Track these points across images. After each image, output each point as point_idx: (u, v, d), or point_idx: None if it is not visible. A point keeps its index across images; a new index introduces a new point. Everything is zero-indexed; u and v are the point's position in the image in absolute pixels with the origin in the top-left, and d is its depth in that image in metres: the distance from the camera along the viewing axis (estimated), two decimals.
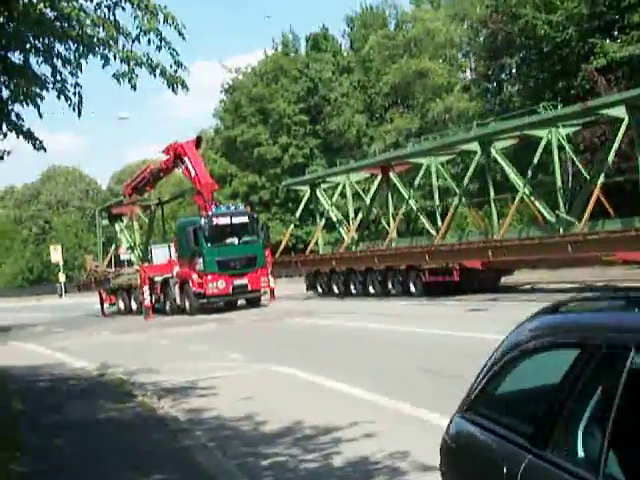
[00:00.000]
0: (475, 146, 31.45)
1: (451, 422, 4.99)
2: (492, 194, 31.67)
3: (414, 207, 36.69)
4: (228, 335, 27.22)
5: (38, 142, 12.88)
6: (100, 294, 45.65)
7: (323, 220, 42.23)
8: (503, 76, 52.31)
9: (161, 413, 13.43)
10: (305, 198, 43.19)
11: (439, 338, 20.01)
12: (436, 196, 36.29)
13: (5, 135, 13.10)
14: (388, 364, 16.61)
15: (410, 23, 59.33)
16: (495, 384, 4.58)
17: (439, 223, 35.23)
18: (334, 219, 41.71)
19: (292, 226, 46.38)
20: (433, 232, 34.90)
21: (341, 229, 41.51)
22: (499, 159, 30.69)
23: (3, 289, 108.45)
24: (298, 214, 44.31)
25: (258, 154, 62.39)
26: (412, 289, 33.05)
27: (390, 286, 34.41)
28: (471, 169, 32.15)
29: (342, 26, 69.49)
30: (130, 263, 49.06)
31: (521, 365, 4.38)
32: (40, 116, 12.27)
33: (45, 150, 13.02)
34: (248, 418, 12.56)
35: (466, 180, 32.38)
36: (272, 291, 38.47)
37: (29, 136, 12.78)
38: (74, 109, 12.31)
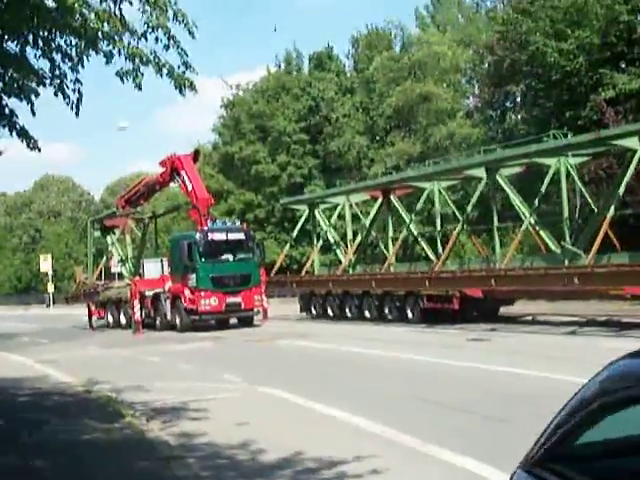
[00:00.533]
0: (481, 172, 30.68)
1: (512, 478, 4.14)
2: (496, 222, 30.94)
3: (414, 232, 35.85)
4: (220, 355, 26.38)
5: (33, 141, 12.10)
6: (89, 307, 44.71)
7: (320, 241, 41.39)
8: (508, 104, 51.79)
9: (151, 436, 12.56)
10: (303, 218, 42.37)
11: (441, 367, 19.23)
12: (438, 221, 35.47)
13: None
14: (389, 393, 15.79)
15: (416, 46, 58.66)
16: (580, 435, 3.72)
17: (439, 249, 34.47)
18: (331, 240, 40.87)
19: (288, 246, 45.52)
20: (433, 258, 34.14)
21: (338, 251, 40.67)
22: (505, 186, 29.95)
23: None
24: (295, 234, 43.45)
25: (256, 172, 61.57)
26: (409, 315, 32.24)
27: (387, 311, 33.63)
28: (475, 195, 31.38)
29: (346, 46, 68.96)
30: (120, 276, 48.19)
31: (619, 414, 3.52)
32: (33, 113, 11.47)
33: (39, 150, 12.24)
34: (244, 446, 11.69)
35: (470, 206, 31.58)
36: (265, 311, 37.58)
37: (23, 134, 11.99)
38: (72, 108, 11.56)
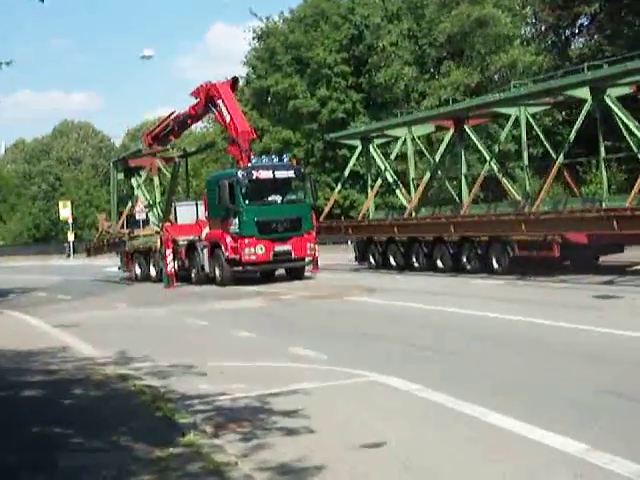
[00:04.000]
0: (584, 92, 25.29)
1: None
2: (603, 153, 25.67)
3: (495, 168, 30.34)
4: (281, 317, 21.21)
5: None
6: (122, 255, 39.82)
7: (379, 181, 36.06)
8: (576, 28, 46.63)
9: (235, 478, 7.50)
10: (356, 154, 37.03)
11: (594, 338, 14.16)
12: (525, 155, 29.83)
13: None
14: (569, 383, 10.75)
15: None
16: None
17: (527, 185, 29.23)
18: (390, 180, 35.60)
19: (339, 187, 40.03)
20: (518, 197, 29.02)
21: (398, 192, 35.35)
22: (616, 109, 24.56)
23: (7, 247, 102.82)
24: (347, 173, 38.15)
25: (293, 107, 55.94)
26: (495, 265, 27.11)
27: (465, 260, 28.51)
28: (579, 121, 25.71)
29: None
30: (146, 223, 43.23)
31: None
32: None
33: None
34: None
35: (572, 134, 25.91)
36: (316, 261, 32.53)
37: None
38: None
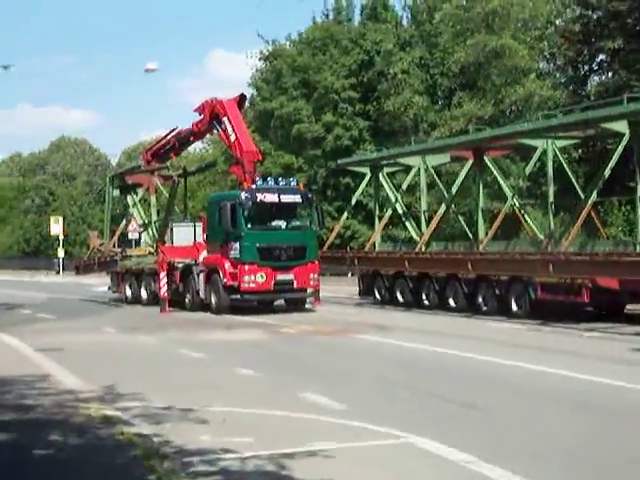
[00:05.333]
0: (622, 126, 23.46)
1: None
2: (639, 192, 23.83)
3: (517, 203, 28.47)
4: (284, 353, 19.15)
5: None
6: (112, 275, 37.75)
7: (389, 212, 34.21)
8: (595, 64, 45.05)
9: None
10: (364, 182, 35.20)
11: None
12: (551, 191, 27.72)
13: None
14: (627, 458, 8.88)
15: None
16: None
17: (551, 224, 27.30)
18: (399, 211, 33.74)
19: (345, 215, 38.12)
20: (540, 236, 27.19)
21: (408, 224, 33.43)
22: None
23: None
24: (354, 201, 36.33)
25: (297, 132, 54.14)
26: (514, 307, 25.16)
27: (481, 300, 26.59)
28: (615, 157, 23.81)
29: None
30: (138, 243, 41.34)
31: None
32: None
33: None
34: None
35: (607, 170, 24.02)
36: (318, 292, 30.57)
37: None
38: None
